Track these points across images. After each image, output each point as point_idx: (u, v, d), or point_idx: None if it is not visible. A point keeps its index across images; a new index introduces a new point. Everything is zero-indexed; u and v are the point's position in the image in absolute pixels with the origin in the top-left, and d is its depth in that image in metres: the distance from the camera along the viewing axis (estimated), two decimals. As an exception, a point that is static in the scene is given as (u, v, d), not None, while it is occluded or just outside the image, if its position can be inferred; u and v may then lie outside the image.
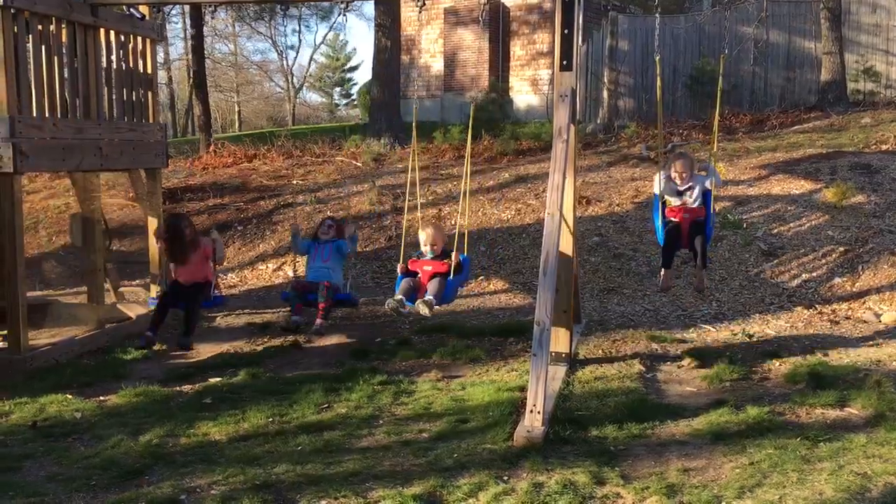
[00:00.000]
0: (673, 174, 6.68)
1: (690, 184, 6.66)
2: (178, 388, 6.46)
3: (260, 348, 7.67)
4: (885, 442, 4.78)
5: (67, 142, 7.39)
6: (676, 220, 6.65)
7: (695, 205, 6.66)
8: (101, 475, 4.69)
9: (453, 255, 6.36)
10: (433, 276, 6.33)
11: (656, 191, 6.76)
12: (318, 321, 7.53)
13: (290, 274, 10.69)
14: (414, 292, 6.30)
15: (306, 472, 4.63)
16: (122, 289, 9.51)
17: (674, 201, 6.70)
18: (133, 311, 8.68)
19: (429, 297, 6.17)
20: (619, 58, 17.85)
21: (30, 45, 7.07)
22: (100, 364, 7.23)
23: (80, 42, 7.65)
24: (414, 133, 6.95)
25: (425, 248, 6.48)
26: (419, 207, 10.63)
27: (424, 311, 6.19)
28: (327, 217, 8.02)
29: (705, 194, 6.67)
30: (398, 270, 6.53)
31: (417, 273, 6.44)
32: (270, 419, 5.61)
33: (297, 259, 11.02)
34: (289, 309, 7.83)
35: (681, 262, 8.70)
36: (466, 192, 7.04)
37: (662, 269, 6.89)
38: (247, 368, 6.83)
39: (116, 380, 6.69)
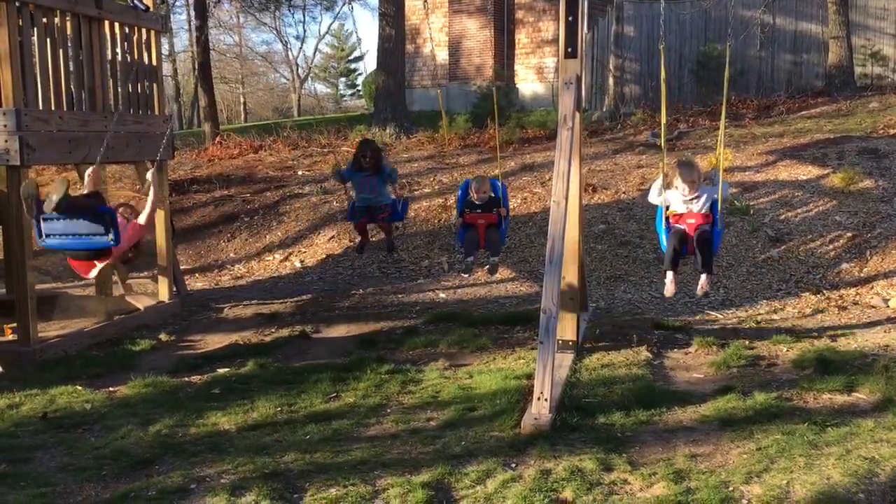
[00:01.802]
0: (677, 185, 6.11)
1: (696, 194, 6.09)
2: (186, 379, 6.49)
3: (268, 339, 7.70)
4: (893, 426, 4.78)
5: (73, 134, 7.41)
6: (682, 226, 6.14)
7: (701, 211, 6.12)
8: (112, 465, 4.72)
9: (500, 210, 7.15)
10: (487, 227, 7.16)
11: (652, 200, 6.31)
12: (389, 239, 8.21)
13: (297, 265, 10.72)
14: (476, 243, 7.26)
15: (315, 461, 4.65)
16: (129, 281, 9.54)
17: (679, 209, 6.18)
18: (141, 303, 8.72)
19: (492, 259, 7.26)
20: (624, 44, 17.78)
21: (35, 38, 7.09)
22: (109, 355, 7.27)
23: (84, 34, 7.66)
24: (441, 117, 6.92)
25: (476, 196, 7.17)
26: (416, 196, 10.59)
27: (490, 272, 7.47)
28: (365, 142, 8.04)
29: (713, 202, 6.11)
30: (456, 223, 7.51)
31: (473, 225, 7.20)
32: (279, 408, 5.64)
33: (304, 249, 11.06)
34: (296, 300, 7.85)
35: (686, 259, 8.65)
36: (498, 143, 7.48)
37: (668, 273, 6.30)
38: (255, 359, 6.86)
39: (125, 371, 6.72)
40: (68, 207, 6.16)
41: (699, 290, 6.28)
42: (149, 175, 6.68)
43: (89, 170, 6.71)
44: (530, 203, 11.14)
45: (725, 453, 4.60)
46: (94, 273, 6.86)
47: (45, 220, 6.21)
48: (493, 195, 7.25)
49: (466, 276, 7.97)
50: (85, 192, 6.66)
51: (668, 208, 6.20)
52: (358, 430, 5.20)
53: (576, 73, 6.19)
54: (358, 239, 8.32)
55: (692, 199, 6.10)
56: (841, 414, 5.08)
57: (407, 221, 11.18)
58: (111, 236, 6.19)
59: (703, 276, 6.18)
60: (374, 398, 5.81)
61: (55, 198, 6.06)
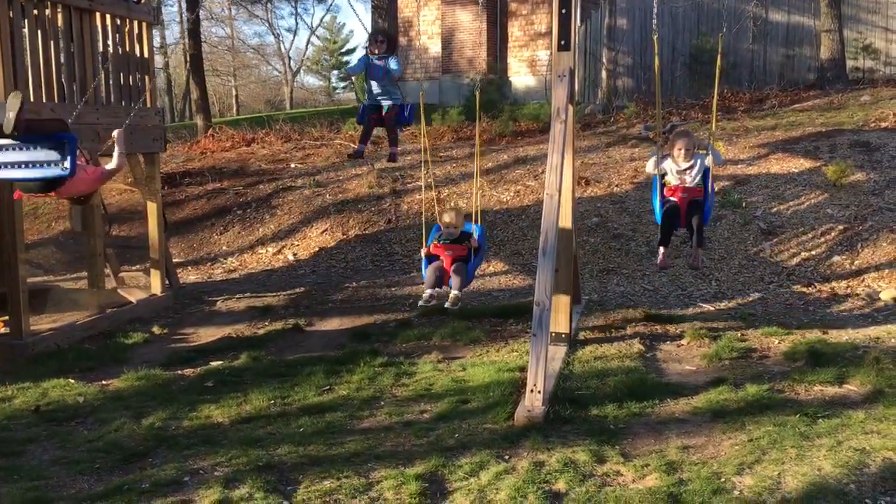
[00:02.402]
0: (675, 153, 6.53)
1: (691, 162, 6.53)
2: (179, 372, 6.49)
3: (261, 331, 7.70)
4: (884, 418, 4.81)
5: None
6: (675, 199, 6.53)
7: (693, 184, 6.52)
8: (105, 458, 4.72)
9: (472, 240, 6.62)
10: (454, 260, 6.61)
11: (649, 169, 6.65)
12: (393, 149, 8.01)
13: (291, 258, 10.71)
14: (439, 278, 6.61)
15: (308, 453, 4.66)
16: (122, 274, 9.52)
17: (673, 180, 6.57)
18: (133, 296, 8.70)
19: (454, 293, 6.44)
20: (617, 37, 17.77)
21: (26, 30, 7.04)
22: (101, 348, 7.26)
23: (75, 26, 7.62)
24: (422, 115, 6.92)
25: (447, 231, 6.70)
26: (411, 189, 10.60)
27: (451, 307, 6.50)
28: (378, 30, 8.05)
29: (705, 173, 6.54)
30: (422, 254, 6.80)
31: (440, 257, 6.67)
32: (272, 401, 5.64)
33: (297, 242, 11.04)
34: (294, 292, 7.82)
35: (679, 241, 8.71)
36: (477, 173, 7.41)
37: (660, 247, 6.75)
38: (248, 351, 6.85)
39: (118, 364, 6.72)
40: (27, 128, 5.42)
41: (691, 263, 6.76)
42: (115, 133, 6.14)
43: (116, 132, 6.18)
44: (523, 196, 11.15)
45: (717, 445, 4.62)
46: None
47: None
48: (465, 232, 6.75)
49: (421, 304, 6.65)
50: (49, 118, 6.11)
51: (663, 177, 6.53)
52: (351, 422, 5.21)
53: (569, 66, 6.19)
54: (356, 146, 8.17)
55: (686, 170, 6.45)
56: (832, 405, 5.11)
57: (400, 214, 11.19)
58: (67, 164, 5.41)
59: (697, 251, 6.60)
60: (367, 391, 5.81)
61: (11, 115, 5.28)
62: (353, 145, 14.67)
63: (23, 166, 5.46)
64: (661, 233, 6.67)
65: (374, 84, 7.72)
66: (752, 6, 16.73)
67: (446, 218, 6.76)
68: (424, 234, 7.04)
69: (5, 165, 5.47)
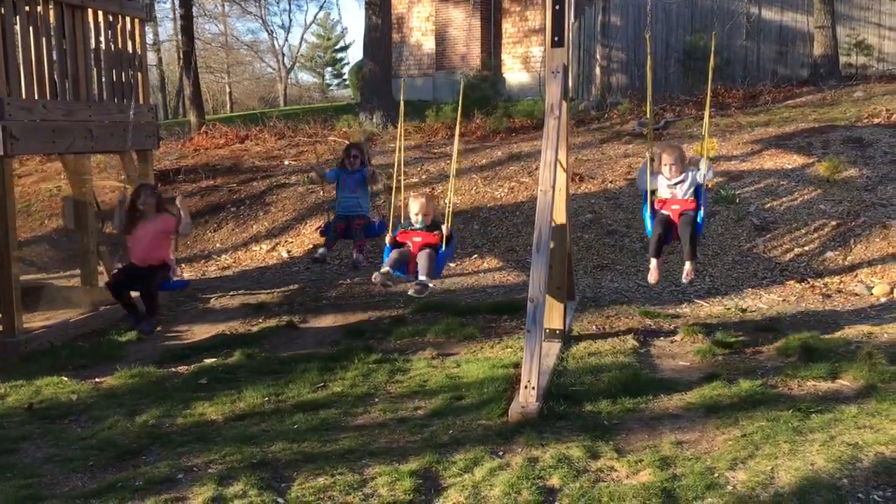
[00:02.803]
0: (662, 167, 6.23)
1: (681, 178, 6.21)
2: (173, 369, 6.47)
3: (255, 329, 7.69)
4: (876, 413, 4.83)
5: (57, 124, 7.35)
6: (666, 212, 6.24)
7: (685, 197, 6.23)
8: (98, 456, 4.71)
9: (444, 227, 6.08)
10: (423, 247, 6.07)
11: (639, 185, 6.39)
12: (357, 255, 7.43)
13: (284, 255, 10.70)
14: (404, 263, 6.07)
15: (302, 450, 4.66)
16: (115, 271, 9.49)
17: (664, 193, 6.29)
18: (127, 294, 8.67)
19: (421, 278, 5.92)
20: (611, 34, 17.78)
21: (17, 27, 7.01)
22: (94, 346, 7.25)
23: (68, 23, 7.59)
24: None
25: (416, 217, 6.18)
26: (404, 186, 10.55)
27: (415, 294, 6.01)
28: (351, 145, 7.89)
29: (697, 187, 6.24)
30: (386, 242, 6.22)
31: (406, 244, 6.17)
32: (266, 398, 5.64)
33: (291, 240, 11.03)
34: (289, 288, 7.79)
35: (673, 246, 8.70)
36: (455, 160, 6.82)
37: (652, 260, 6.35)
38: (242, 349, 6.84)
39: (111, 361, 6.70)
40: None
41: (684, 278, 6.37)
42: (178, 201, 6.43)
43: (178, 199, 6.49)
44: (517, 192, 11.15)
45: (711, 440, 4.63)
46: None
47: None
48: (436, 222, 6.24)
49: (376, 283, 6.18)
50: None
51: (654, 192, 6.27)
52: (346, 419, 5.21)
53: (562, 63, 6.19)
54: (321, 248, 7.65)
55: (677, 184, 6.19)
56: (825, 400, 5.13)
57: (395, 211, 11.17)
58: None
59: (688, 264, 6.26)
60: (361, 387, 5.81)
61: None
62: (347, 141, 14.70)
63: None
64: (652, 245, 6.32)
65: (345, 196, 7.60)
66: (745, 3, 16.75)
67: (414, 206, 6.21)
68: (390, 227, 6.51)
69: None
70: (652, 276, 6.35)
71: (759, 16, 17.51)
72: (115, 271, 6.92)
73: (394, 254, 6.08)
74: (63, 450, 4.84)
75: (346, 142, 14.64)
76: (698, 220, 6.15)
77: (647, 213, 6.31)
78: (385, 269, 6.04)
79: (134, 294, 6.55)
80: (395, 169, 6.41)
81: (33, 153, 11.67)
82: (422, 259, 5.97)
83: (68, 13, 7.58)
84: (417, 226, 6.19)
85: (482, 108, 15.59)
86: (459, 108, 7.13)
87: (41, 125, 7.16)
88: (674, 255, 8.73)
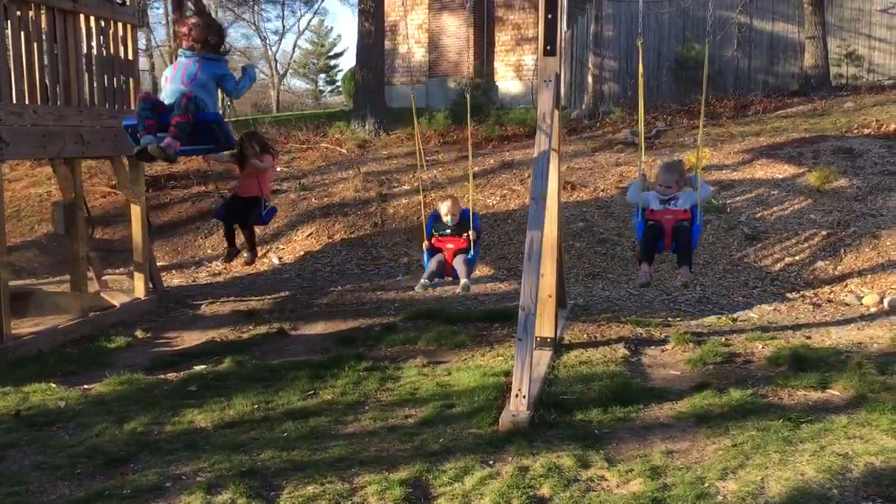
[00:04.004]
0: (658, 187, 6.09)
1: (676, 196, 6.06)
2: (162, 376, 6.43)
3: (245, 336, 7.65)
4: (866, 423, 4.83)
5: (48, 128, 7.32)
6: (659, 220, 6.06)
7: (678, 208, 6.04)
8: (86, 463, 4.67)
9: (470, 232, 6.81)
10: (456, 252, 6.88)
11: (630, 199, 6.22)
12: (168, 139, 5.43)
13: (275, 262, 10.67)
14: (441, 269, 6.88)
15: (292, 459, 4.63)
16: (105, 277, 9.45)
17: (655, 208, 6.10)
18: (116, 300, 8.63)
19: (464, 281, 6.71)
20: (603, 43, 17.85)
21: (9, 31, 6.98)
22: (83, 352, 7.20)
23: (59, 28, 7.56)
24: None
25: (446, 218, 6.92)
26: (395, 193, 10.56)
27: (462, 292, 6.89)
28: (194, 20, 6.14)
29: (693, 205, 6.05)
30: (424, 248, 6.99)
31: (441, 250, 6.91)
32: (256, 406, 5.61)
33: (283, 246, 11.00)
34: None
35: (664, 256, 8.71)
36: (471, 164, 7.56)
37: (642, 263, 6.20)
38: (232, 356, 6.81)
39: (100, 368, 6.65)
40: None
41: (678, 281, 6.18)
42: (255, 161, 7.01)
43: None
44: (509, 200, 11.16)
45: (701, 450, 4.63)
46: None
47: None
48: (464, 218, 6.91)
49: (420, 291, 7.16)
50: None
51: (644, 209, 6.11)
52: (336, 427, 5.19)
53: (555, 71, 6.20)
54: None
55: (670, 200, 6.05)
56: (815, 410, 5.13)
57: (386, 218, 11.17)
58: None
59: (683, 268, 6.04)
60: (352, 395, 5.79)
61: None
62: (339, 148, 14.71)
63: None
64: (643, 249, 6.16)
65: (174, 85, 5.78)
66: (736, 13, 16.85)
67: (444, 208, 6.95)
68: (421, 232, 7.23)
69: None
70: (641, 278, 6.15)
71: (750, 26, 17.61)
72: (225, 201, 7.57)
73: (434, 264, 6.84)
74: (50, 457, 4.80)
75: (338, 149, 14.67)
76: (694, 230, 6.02)
77: (638, 222, 6.15)
78: (424, 281, 6.82)
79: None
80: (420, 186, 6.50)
81: (24, 158, 11.62)
82: (458, 265, 6.79)
83: (60, 18, 7.56)
84: (448, 228, 6.91)
85: (474, 115, 15.61)
86: (468, 111, 7.77)
87: (32, 130, 7.13)
88: (665, 264, 8.75)
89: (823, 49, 15.77)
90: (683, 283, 6.14)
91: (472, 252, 6.89)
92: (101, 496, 4.20)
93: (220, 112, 6.18)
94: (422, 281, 6.80)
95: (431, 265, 6.87)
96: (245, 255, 7.58)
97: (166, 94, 5.73)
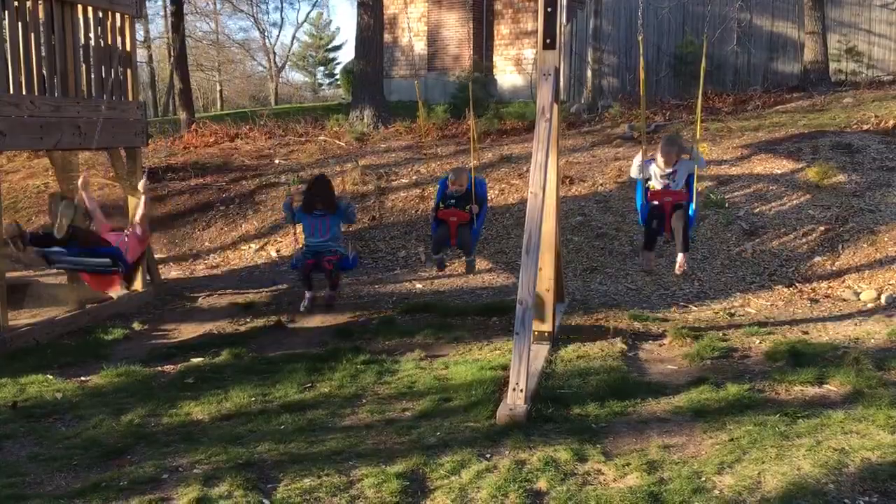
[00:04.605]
0: (659, 160, 6.57)
1: (675, 168, 6.57)
2: (159, 369, 6.43)
3: (243, 328, 7.65)
4: (863, 418, 4.84)
5: (45, 119, 7.30)
6: (658, 202, 6.57)
7: (677, 188, 6.56)
8: (83, 455, 4.67)
9: (472, 206, 7.24)
10: (458, 225, 7.29)
11: (633, 174, 6.71)
12: (330, 293, 8.10)
13: (273, 254, 10.66)
14: (447, 239, 7.41)
15: (289, 451, 4.63)
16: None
17: (656, 184, 6.61)
18: (113, 292, 8.61)
19: (468, 259, 7.61)
20: (602, 37, 17.80)
21: (6, 22, 6.95)
22: (81, 344, 7.19)
23: (57, 18, 7.53)
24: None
25: (453, 188, 7.35)
26: (394, 186, 10.52)
27: (467, 271, 7.96)
28: (316, 186, 8.06)
29: (689, 178, 6.57)
30: (431, 218, 7.58)
31: (446, 221, 7.34)
32: (253, 398, 5.60)
33: (280, 239, 10.99)
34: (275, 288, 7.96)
35: (664, 241, 8.73)
36: (474, 136, 8.00)
37: (644, 250, 6.86)
38: (229, 348, 6.80)
39: (97, 360, 6.65)
40: (73, 238, 6.32)
41: (678, 269, 6.66)
42: (140, 185, 6.86)
43: (80, 181, 6.79)
44: (508, 194, 11.14)
45: (698, 444, 4.63)
46: (114, 288, 7.34)
47: (48, 253, 6.42)
48: (469, 189, 7.30)
49: (438, 270, 8.11)
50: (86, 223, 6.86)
51: (647, 181, 6.59)
52: (333, 420, 5.19)
53: (554, 65, 6.19)
54: (306, 296, 8.07)
55: (670, 174, 6.47)
56: (812, 405, 5.14)
57: (384, 212, 11.16)
58: (120, 268, 6.52)
59: (681, 256, 6.58)
60: (349, 388, 5.79)
61: (65, 222, 6.21)
62: (338, 141, 14.67)
63: (81, 266, 6.64)
64: (646, 236, 6.72)
65: (312, 240, 7.86)
66: (736, 8, 16.82)
67: (452, 175, 7.42)
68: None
69: (64, 263, 6.68)
70: (645, 264, 6.92)
71: (750, 21, 17.58)
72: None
73: (440, 233, 7.37)
74: (47, 449, 4.80)
75: (337, 142, 14.64)
76: (690, 211, 6.47)
77: (641, 202, 6.62)
78: (435, 257, 7.66)
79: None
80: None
81: (21, 149, 11.59)
82: (462, 242, 7.37)
83: (58, 8, 7.53)
84: (454, 199, 7.32)
85: (473, 109, 15.56)
86: (471, 102, 8.35)
87: (29, 121, 7.11)
88: (663, 259, 8.76)
89: (823, 44, 15.75)
90: (682, 271, 6.73)
91: (475, 224, 7.31)
92: (98, 488, 4.19)
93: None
94: (432, 256, 7.54)
95: (436, 238, 7.43)
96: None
97: None
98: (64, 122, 7.52)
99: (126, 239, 6.66)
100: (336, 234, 7.96)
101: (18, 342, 7.03)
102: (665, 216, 6.55)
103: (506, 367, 5.76)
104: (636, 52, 5.97)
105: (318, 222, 7.87)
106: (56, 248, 6.36)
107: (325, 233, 7.85)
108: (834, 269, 8.58)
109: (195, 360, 6.62)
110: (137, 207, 6.96)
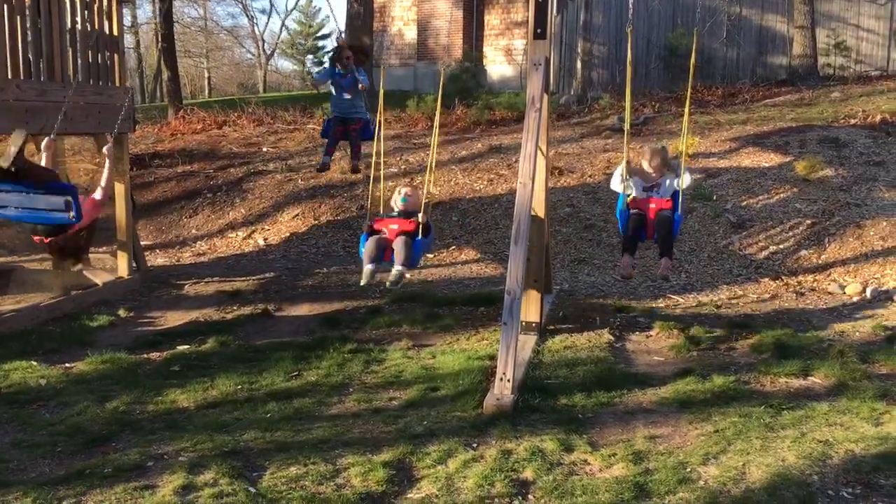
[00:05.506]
0: (644, 165, 6.25)
1: (659, 182, 6.24)
2: (145, 356, 6.39)
3: (229, 316, 7.61)
4: (847, 410, 4.88)
5: (31, 104, 7.22)
6: (641, 210, 6.20)
7: (662, 198, 6.22)
8: (67, 442, 4.64)
9: (420, 215, 6.04)
10: (399, 234, 6.00)
11: (614, 186, 6.29)
12: (355, 161, 8.18)
13: (261, 242, 10.62)
14: (381, 251, 6.00)
15: (275, 439, 4.62)
16: (88, 255, 9.35)
17: (639, 195, 6.27)
18: (99, 278, 8.56)
19: (398, 267, 5.91)
20: (593, 29, 17.78)
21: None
22: (65, 331, 7.14)
23: (43, 1, 7.44)
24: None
25: (398, 196, 6.28)
26: (384, 176, 10.50)
27: (391, 284, 5.96)
28: (344, 47, 7.99)
29: (675, 193, 6.21)
30: (364, 229, 6.18)
31: (383, 231, 6.12)
32: (239, 386, 5.58)
33: (268, 227, 10.95)
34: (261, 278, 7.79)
35: (646, 247, 8.74)
36: (434, 146, 6.70)
37: (623, 255, 6.33)
38: (216, 336, 6.77)
39: (82, 347, 6.60)
40: (23, 170, 5.57)
41: (660, 272, 6.36)
42: (105, 148, 6.45)
43: (45, 142, 6.45)
44: (496, 185, 11.14)
45: (684, 435, 4.66)
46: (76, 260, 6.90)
47: None
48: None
49: (364, 282, 6.05)
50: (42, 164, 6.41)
51: (629, 196, 6.23)
52: (320, 408, 5.18)
53: (544, 55, 6.17)
54: (321, 158, 8.32)
55: (653, 187, 6.19)
56: (797, 397, 5.17)
57: (373, 200, 11.12)
58: (73, 213, 5.68)
59: (664, 260, 6.26)
60: (336, 377, 5.78)
61: (13, 150, 5.52)
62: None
63: (30, 211, 5.72)
64: (625, 241, 6.31)
65: (338, 98, 7.92)
66: (726, 2, 16.83)
67: (403, 189, 6.38)
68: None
69: (14, 207, 5.71)
70: (624, 271, 6.33)
71: (739, 15, 17.61)
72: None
73: (370, 244, 6.01)
74: (31, 435, 4.76)
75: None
76: (675, 219, 6.13)
77: (620, 209, 6.28)
78: (367, 268, 5.93)
79: None
80: (373, 158, 6.43)
81: (5, 133, 11.47)
82: (398, 247, 5.92)
83: (44, -9, 7.43)
84: (398, 206, 6.26)
85: (463, 99, 15.54)
86: (439, 98, 7.09)
87: (14, 105, 7.02)
88: (650, 251, 8.77)
89: (812, 39, 15.79)
90: (664, 275, 6.33)
91: (419, 238, 5.99)
92: (82, 475, 4.17)
93: None
94: (363, 272, 5.88)
95: (368, 248, 5.95)
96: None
97: None
98: (50, 106, 7.43)
99: (83, 197, 6.13)
100: (357, 100, 7.96)
101: (2, 328, 6.97)
102: (647, 223, 6.18)
103: (493, 357, 5.77)
104: (626, 44, 5.96)
105: (343, 80, 7.85)
106: (4, 185, 5.55)
107: (349, 90, 7.81)
108: (820, 262, 8.63)
109: (181, 348, 6.59)
110: (103, 171, 6.38)
